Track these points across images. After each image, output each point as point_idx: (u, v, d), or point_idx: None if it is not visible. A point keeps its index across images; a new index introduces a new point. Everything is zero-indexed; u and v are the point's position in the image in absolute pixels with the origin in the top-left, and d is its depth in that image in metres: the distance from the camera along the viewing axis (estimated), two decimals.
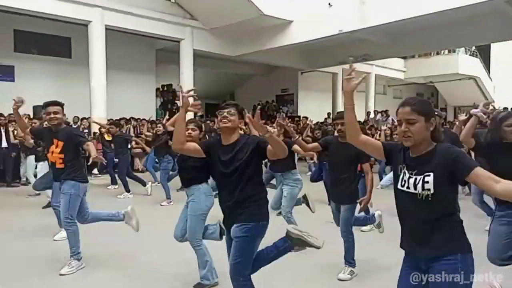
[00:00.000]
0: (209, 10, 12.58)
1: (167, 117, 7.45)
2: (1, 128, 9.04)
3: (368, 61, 16.85)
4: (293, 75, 18.93)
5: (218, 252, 3.17)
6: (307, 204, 4.88)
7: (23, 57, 12.12)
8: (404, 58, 20.94)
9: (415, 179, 1.84)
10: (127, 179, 7.85)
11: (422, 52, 19.05)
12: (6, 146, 8.77)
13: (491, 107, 2.84)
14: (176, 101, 15.49)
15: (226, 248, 2.68)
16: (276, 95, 20.35)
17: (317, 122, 14.23)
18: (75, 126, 11.42)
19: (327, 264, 3.86)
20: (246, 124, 2.69)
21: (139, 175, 9.53)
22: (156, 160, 8.80)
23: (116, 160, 8.25)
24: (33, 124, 6.69)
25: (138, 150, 10.11)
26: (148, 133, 9.69)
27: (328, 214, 4.13)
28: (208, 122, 11.68)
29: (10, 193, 8.25)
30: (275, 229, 4.60)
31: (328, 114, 17.55)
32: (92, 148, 3.73)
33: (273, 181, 6.35)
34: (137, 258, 4.10)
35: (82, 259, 3.83)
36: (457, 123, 5.33)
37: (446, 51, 20.17)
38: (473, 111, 3.00)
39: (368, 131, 9.89)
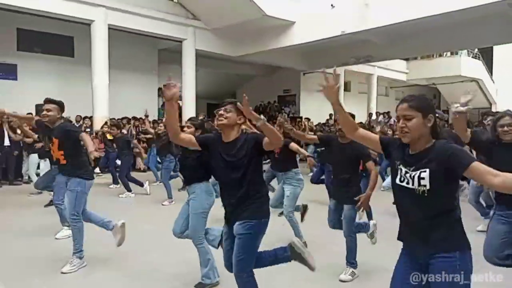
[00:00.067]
0: (211, 10, 12.59)
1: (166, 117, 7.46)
2: (3, 126, 9.08)
3: (370, 63, 16.87)
4: (295, 76, 18.92)
5: (220, 252, 3.17)
6: (302, 214, 4.86)
7: (26, 55, 12.15)
8: (407, 59, 20.93)
9: (411, 174, 1.85)
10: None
11: (425, 54, 19.04)
12: (9, 144, 8.80)
13: (468, 97, 2.80)
14: (178, 101, 15.48)
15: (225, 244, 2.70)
16: (278, 96, 20.34)
17: (318, 123, 14.26)
18: (77, 125, 11.48)
19: (327, 264, 3.87)
20: (250, 121, 2.69)
21: (141, 174, 9.57)
22: (158, 159, 8.83)
23: (119, 162, 8.29)
24: None
25: (138, 151, 10.11)
26: (151, 130, 9.69)
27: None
28: (209, 121, 11.68)
29: (12, 191, 8.28)
30: (276, 229, 4.63)
31: (330, 115, 17.50)
32: (87, 140, 3.71)
33: (272, 183, 6.37)
34: (137, 258, 4.11)
35: (84, 257, 3.84)
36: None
37: (449, 53, 20.14)
38: (456, 110, 2.93)
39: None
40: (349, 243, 3.61)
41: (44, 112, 3.85)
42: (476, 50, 21.06)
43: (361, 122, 6.96)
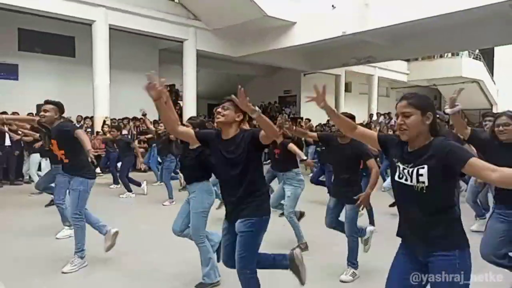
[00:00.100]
0: (212, 10, 12.60)
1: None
2: (5, 126, 9.08)
3: (371, 63, 16.86)
4: (295, 77, 18.93)
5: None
6: (297, 219, 4.85)
7: (27, 55, 12.16)
8: (407, 60, 20.94)
9: (409, 171, 1.85)
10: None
11: (425, 55, 19.05)
12: (10, 144, 8.81)
13: (454, 96, 2.95)
14: (179, 101, 15.51)
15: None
16: (279, 97, 20.35)
17: (319, 124, 14.25)
18: (78, 125, 11.49)
19: (327, 264, 3.87)
20: (250, 119, 2.67)
21: (142, 175, 9.57)
22: (159, 159, 8.84)
23: (119, 164, 8.31)
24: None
25: (141, 150, 10.13)
26: (152, 127, 9.70)
27: None
28: (210, 121, 11.69)
29: (13, 191, 8.29)
30: (276, 229, 4.64)
31: None
32: (82, 137, 3.68)
33: (272, 184, 6.37)
34: (137, 258, 4.10)
35: (85, 257, 3.84)
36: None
37: (450, 54, 20.15)
38: (449, 111, 3.01)
39: None
40: (351, 243, 3.60)
41: (42, 113, 3.87)
42: (477, 51, 21.07)
43: (362, 123, 6.95)
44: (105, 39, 11.03)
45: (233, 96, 2.38)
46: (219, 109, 2.57)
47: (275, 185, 6.45)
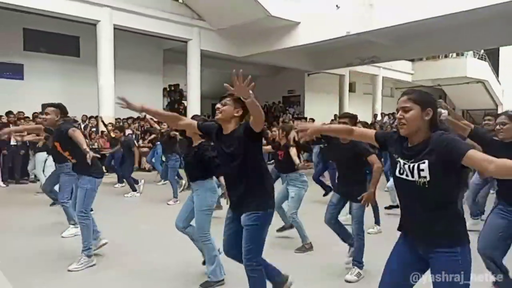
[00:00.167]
0: (216, 10, 12.62)
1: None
2: (11, 125, 9.15)
3: (375, 63, 16.82)
4: (299, 77, 18.92)
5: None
6: (284, 227, 4.86)
7: (32, 55, 12.23)
8: (412, 60, 20.87)
9: (410, 166, 1.86)
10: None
11: (430, 55, 18.98)
12: (15, 143, 8.87)
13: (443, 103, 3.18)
14: (183, 101, 15.56)
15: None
16: (283, 97, 20.35)
17: (323, 123, 14.25)
18: (83, 125, 11.55)
19: (327, 264, 3.87)
20: (243, 115, 2.63)
21: (145, 174, 9.61)
22: (163, 158, 8.87)
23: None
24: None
25: (145, 149, 10.18)
26: (156, 126, 9.73)
27: None
28: (213, 121, 11.71)
29: (18, 190, 8.35)
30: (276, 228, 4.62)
31: (335, 116, 17.50)
32: (77, 137, 3.69)
33: (275, 184, 6.39)
34: (137, 258, 4.10)
35: (99, 255, 3.86)
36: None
37: (454, 54, 20.05)
38: (444, 116, 3.18)
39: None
40: (357, 242, 3.59)
41: (43, 116, 3.92)
42: (482, 51, 20.95)
43: (366, 122, 6.95)
44: (109, 39, 11.07)
45: (226, 85, 2.27)
46: (218, 105, 2.61)
47: (278, 185, 6.46)
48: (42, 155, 7.47)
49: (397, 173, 1.94)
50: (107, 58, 11.05)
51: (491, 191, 5.48)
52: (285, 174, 4.70)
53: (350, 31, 11.47)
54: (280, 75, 19.46)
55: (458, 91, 22.69)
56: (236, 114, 2.57)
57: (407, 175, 1.87)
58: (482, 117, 4.30)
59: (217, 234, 3.33)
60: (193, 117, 3.65)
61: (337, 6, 11.82)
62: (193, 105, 13.15)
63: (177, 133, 7.13)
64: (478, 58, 21.08)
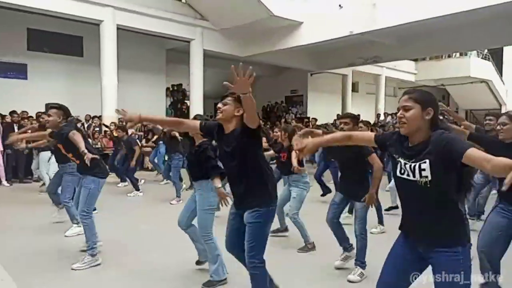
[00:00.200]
0: (219, 10, 12.63)
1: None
2: (14, 125, 9.21)
3: (378, 63, 16.79)
4: (302, 76, 18.90)
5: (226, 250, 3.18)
6: (278, 230, 4.87)
7: (36, 55, 12.28)
8: (415, 60, 20.79)
9: (411, 166, 1.85)
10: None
11: (433, 55, 18.92)
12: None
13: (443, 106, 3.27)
14: (186, 101, 15.57)
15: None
16: (285, 96, 20.33)
17: (326, 123, 14.24)
18: (86, 124, 11.59)
19: (327, 264, 3.87)
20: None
21: (148, 173, 9.63)
22: (166, 157, 8.89)
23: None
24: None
25: (148, 149, 10.20)
26: (159, 127, 9.74)
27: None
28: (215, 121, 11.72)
29: (22, 189, 8.39)
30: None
31: (338, 115, 17.51)
32: (76, 140, 3.70)
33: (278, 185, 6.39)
34: (137, 258, 4.10)
35: (98, 255, 3.86)
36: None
37: (458, 54, 19.97)
38: None
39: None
40: (360, 242, 3.58)
41: (46, 119, 3.94)
42: (486, 51, 20.87)
43: (368, 122, 6.95)
44: (113, 39, 11.10)
45: (226, 83, 2.27)
46: (219, 105, 2.62)
47: (280, 186, 6.47)
48: (46, 154, 7.50)
49: (398, 173, 1.94)
50: (110, 58, 11.07)
51: (493, 192, 5.46)
52: (287, 175, 4.71)
53: (353, 31, 11.44)
54: (283, 75, 19.44)
55: (461, 91, 22.62)
56: (237, 114, 2.58)
57: (408, 175, 1.87)
58: (484, 117, 4.30)
59: (220, 233, 3.34)
60: (196, 117, 3.67)
61: (340, 6, 11.81)
62: (196, 105, 13.16)
63: (177, 133, 7.17)
64: (482, 58, 21.00)
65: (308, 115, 17.80)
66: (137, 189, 7.79)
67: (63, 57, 12.77)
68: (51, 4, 10.02)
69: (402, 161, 1.90)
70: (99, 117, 11.46)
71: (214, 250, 3.34)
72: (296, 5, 12.42)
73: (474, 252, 2.64)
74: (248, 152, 2.53)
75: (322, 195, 7.09)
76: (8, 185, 8.75)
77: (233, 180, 2.66)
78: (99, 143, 10.72)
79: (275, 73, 19.45)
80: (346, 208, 4.60)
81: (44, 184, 7.96)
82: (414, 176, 1.85)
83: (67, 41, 12.83)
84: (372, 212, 5.02)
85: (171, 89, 16.22)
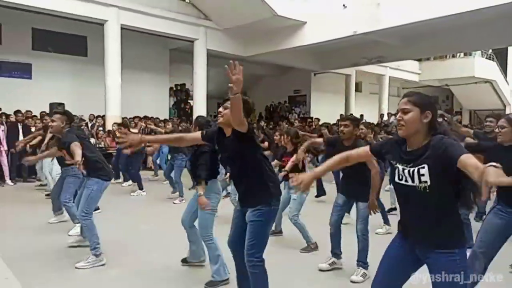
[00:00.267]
0: (223, 10, 12.64)
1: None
2: (19, 124, 9.26)
3: (382, 63, 16.75)
4: (306, 76, 18.89)
5: (227, 250, 3.19)
6: (272, 233, 4.88)
7: (40, 55, 12.34)
8: (419, 60, 20.74)
9: (410, 171, 1.85)
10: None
11: (436, 54, 18.85)
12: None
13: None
14: (189, 100, 15.60)
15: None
16: (289, 96, 20.32)
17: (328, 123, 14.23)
18: (90, 124, 11.63)
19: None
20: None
21: (152, 173, 9.64)
22: (169, 157, 8.90)
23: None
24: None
25: (150, 148, 10.22)
26: (160, 129, 9.79)
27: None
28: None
29: (26, 188, 8.43)
30: (284, 231, 4.61)
31: (341, 115, 17.46)
32: (74, 150, 3.73)
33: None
34: (137, 258, 4.11)
35: (102, 255, 3.86)
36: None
37: (462, 54, 19.89)
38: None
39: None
40: (362, 242, 3.59)
41: (49, 124, 3.99)
42: (490, 51, 20.77)
43: (369, 123, 6.95)
44: (117, 39, 11.14)
45: (231, 85, 2.35)
46: (220, 109, 2.66)
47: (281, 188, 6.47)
48: None
49: (396, 179, 1.94)
50: (114, 57, 11.12)
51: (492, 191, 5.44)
52: (287, 180, 4.70)
53: (357, 31, 11.42)
54: (286, 74, 19.44)
55: (465, 91, 22.52)
56: None
57: (406, 180, 1.87)
58: (484, 118, 4.28)
59: (220, 233, 3.36)
60: (197, 118, 3.68)
61: (344, 5, 11.78)
62: (199, 105, 13.18)
63: None
64: (486, 58, 20.90)
65: (311, 115, 17.78)
66: (141, 188, 7.82)
67: (68, 57, 12.84)
68: (55, 4, 10.07)
69: (400, 167, 1.90)
70: (103, 117, 11.50)
71: (215, 251, 3.35)
72: (300, 5, 12.41)
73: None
74: (246, 156, 2.58)
75: (316, 196, 7.07)
76: (12, 184, 8.80)
77: (235, 180, 2.77)
78: (102, 143, 10.75)
79: (278, 73, 19.45)
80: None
81: (41, 184, 8.02)
82: (413, 182, 1.85)
83: (72, 41, 12.89)
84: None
85: (174, 88, 16.25)
